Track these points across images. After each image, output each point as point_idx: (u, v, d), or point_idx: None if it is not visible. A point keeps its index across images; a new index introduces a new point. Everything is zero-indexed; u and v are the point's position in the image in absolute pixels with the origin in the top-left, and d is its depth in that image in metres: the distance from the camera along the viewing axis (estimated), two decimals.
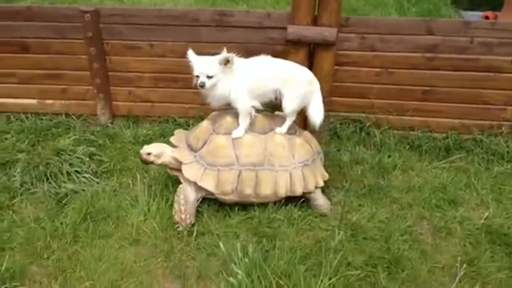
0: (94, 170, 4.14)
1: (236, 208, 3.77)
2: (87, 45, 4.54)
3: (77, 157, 4.21)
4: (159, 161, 3.71)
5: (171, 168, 3.80)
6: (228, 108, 3.70)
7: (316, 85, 3.74)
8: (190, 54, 3.49)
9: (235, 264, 3.07)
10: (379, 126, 4.66)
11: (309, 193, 3.76)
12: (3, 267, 3.17)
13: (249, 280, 2.96)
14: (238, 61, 3.52)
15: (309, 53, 4.28)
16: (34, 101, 4.88)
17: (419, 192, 4.04)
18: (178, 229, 3.55)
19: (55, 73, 4.75)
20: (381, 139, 4.59)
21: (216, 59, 3.42)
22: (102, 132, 4.72)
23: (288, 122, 3.76)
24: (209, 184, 3.58)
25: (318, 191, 3.81)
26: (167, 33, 4.51)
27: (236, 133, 3.63)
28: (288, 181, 3.66)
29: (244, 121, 3.64)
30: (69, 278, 3.20)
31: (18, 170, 4.10)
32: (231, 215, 3.72)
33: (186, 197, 3.59)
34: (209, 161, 3.60)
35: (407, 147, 4.61)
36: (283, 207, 3.78)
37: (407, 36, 4.32)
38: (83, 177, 4.06)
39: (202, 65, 3.43)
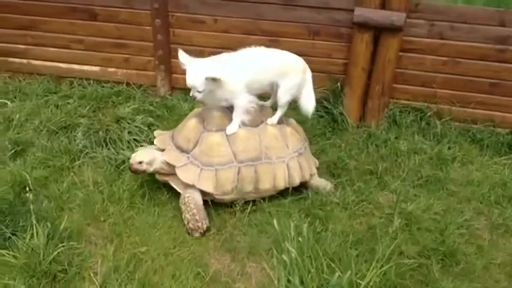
0: (151, 139, 4.21)
1: (290, 189, 3.79)
2: (153, 17, 4.60)
3: (136, 126, 4.31)
4: (151, 169, 3.50)
5: (160, 174, 3.59)
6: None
7: (309, 73, 3.68)
8: (182, 55, 3.32)
9: (288, 242, 3.07)
10: (440, 116, 4.55)
11: (305, 181, 3.72)
12: (62, 226, 3.26)
13: (301, 259, 2.97)
14: (232, 56, 3.40)
15: (374, 37, 4.21)
16: (97, 69, 4.99)
17: (478, 187, 3.94)
18: (195, 235, 3.36)
19: (120, 42, 4.84)
20: (441, 130, 4.48)
21: (204, 74, 3.18)
22: (161, 103, 4.78)
23: (280, 113, 3.63)
24: (207, 185, 3.41)
25: (314, 176, 3.78)
26: (232, 9, 4.51)
27: (231, 129, 3.47)
28: (286, 172, 3.58)
29: (239, 116, 3.47)
30: (124, 242, 3.28)
31: (80, 134, 4.22)
32: (284, 194, 3.71)
33: (197, 204, 3.39)
34: (205, 161, 3.42)
35: (468, 140, 4.50)
36: (338, 189, 3.80)
37: (478, 26, 4.19)
38: (141, 145, 4.13)
39: (190, 79, 3.24)
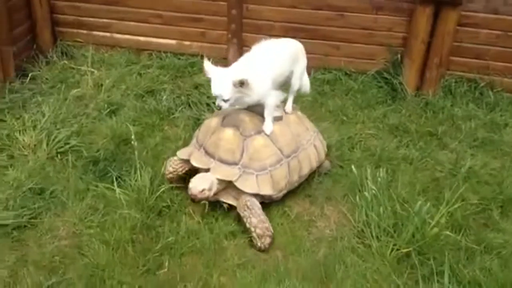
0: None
1: (358, 145, 4.22)
2: None
3: None
4: (212, 193, 3.36)
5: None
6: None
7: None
8: (206, 65, 3.24)
9: (366, 184, 3.50)
10: (492, 87, 4.90)
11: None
12: (161, 172, 3.71)
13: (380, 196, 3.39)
14: (252, 58, 3.39)
15: (435, 12, 4.59)
16: (173, 42, 5.41)
17: None
18: (267, 242, 3.25)
19: (196, 17, 5.25)
20: (493, 100, 4.84)
21: (230, 81, 3.11)
22: None
23: (292, 99, 3.72)
24: (268, 189, 3.41)
25: None
26: None
27: (268, 128, 3.48)
28: (315, 152, 3.73)
29: (271, 114, 3.48)
30: None
31: (165, 97, 4.71)
32: (355, 150, 4.17)
33: (259, 206, 3.36)
34: (257, 166, 3.41)
35: None
36: (402, 147, 4.22)
37: None
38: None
39: (216, 88, 3.18)
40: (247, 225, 3.28)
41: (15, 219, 3.34)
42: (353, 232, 3.40)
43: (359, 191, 3.60)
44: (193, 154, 3.54)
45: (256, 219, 3.26)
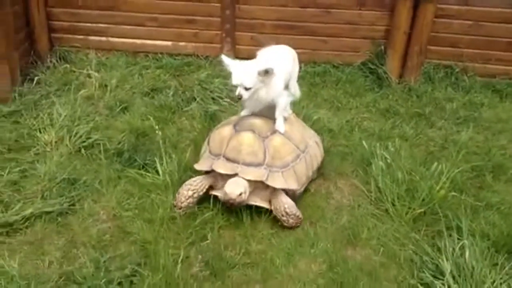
0: (231, 96, 4.93)
1: (357, 128, 4.63)
2: None
3: (215, 87, 5.05)
4: (246, 196, 3.44)
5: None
6: None
7: None
8: (225, 59, 3.42)
9: (377, 157, 3.91)
10: (466, 72, 5.43)
11: None
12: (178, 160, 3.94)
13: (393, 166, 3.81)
14: (265, 58, 3.55)
15: (414, 5, 5.07)
16: (169, 43, 5.67)
17: (506, 123, 4.85)
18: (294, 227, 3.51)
19: (191, 19, 5.55)
20: (468, 84, 5.38)
21: (255, 69, 3.26)
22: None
23: (290, 101, 3.85)
24: (293, 184, 3.57)
25: None
26: None
27: (281, 127, 3.63)
28: (318, 148, 3.95)
29: (282, 114, 3.65)
30: None
31: (171, 93, 4.97)
32: (354, 132, 4.57)
33: (294, 206, 3.50)
34: (280, 164, 3.55)
35: (490, 90, 5.38)
36: (397, 127, 4.67)
37: None
38: (224, 101, 4.90)
39: (240, 76, 3.30)
40: (284, 223, 3.46)
41: (56, 206, 3.50)
42: (368, 201, 3.76)
43: (367, 165, 3.99)
44: (214, 164, 3.57)
45: (294, 220, 3.47)
